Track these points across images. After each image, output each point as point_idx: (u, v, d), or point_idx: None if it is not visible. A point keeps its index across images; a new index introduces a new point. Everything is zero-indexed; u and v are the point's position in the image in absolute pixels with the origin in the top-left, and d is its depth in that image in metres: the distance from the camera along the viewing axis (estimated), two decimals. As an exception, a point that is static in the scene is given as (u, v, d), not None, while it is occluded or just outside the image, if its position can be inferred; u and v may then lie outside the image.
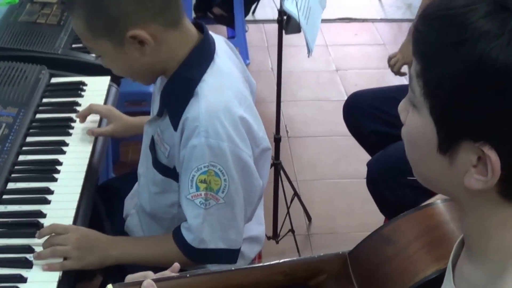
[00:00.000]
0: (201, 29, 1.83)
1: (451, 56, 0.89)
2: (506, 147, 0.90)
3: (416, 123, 0.99)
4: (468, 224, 1.02)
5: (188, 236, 1.79)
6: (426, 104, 0.95)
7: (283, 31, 2.79)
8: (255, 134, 1.81)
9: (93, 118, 2.28)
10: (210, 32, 1.86)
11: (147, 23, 1.68)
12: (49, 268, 1.73)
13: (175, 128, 1.75)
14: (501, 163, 0.90)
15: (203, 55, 1.78)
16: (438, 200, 1.43)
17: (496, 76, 0.86)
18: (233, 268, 1.41)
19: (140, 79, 1.88)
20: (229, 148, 1.70)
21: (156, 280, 1.31)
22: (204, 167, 1.69)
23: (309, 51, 2.65)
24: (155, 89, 1.98)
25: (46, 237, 1.80)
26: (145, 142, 1.97)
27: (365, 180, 3.63)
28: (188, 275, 1.37)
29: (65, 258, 1.78)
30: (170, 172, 1.85)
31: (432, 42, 0.92)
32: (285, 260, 1.42)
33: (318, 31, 2.83)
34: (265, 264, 1.43)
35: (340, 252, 1.43)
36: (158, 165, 1.88)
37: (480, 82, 0.88)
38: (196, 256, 1.81)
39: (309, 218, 3.50)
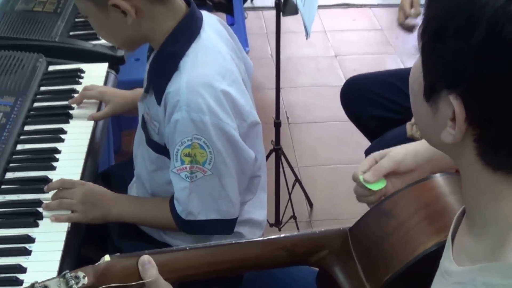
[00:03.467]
0: (188, 3, 1.84)
1: (443, 1, 0.91)
2: (471, 98, 0.89)
3: (415, 66, 1.01)
4: (465, 192, 1.02)
5: (177, 207, 1.82)
6: (420, 44, 0.96)
7: (281, 14, 2.77)
8: (241, 108, 1.81)
9: (92, 101, 2.28)
10: (203, 12, 1.88)
11: None
12: (56, 219, 1.82)
13: (159, 103, 1.77)
14: (468, 116, 0.90)
15: (188, 29, 1.79)
16: (437, 174, 1.43)
17: (468, 18, 0.87)
18: (233, 242, 1.41)
19: (122, 46, 1.96)
20: (212, 121, 1.70)
21: (154, 253, 1.32)
22: (188, 140, 1.71)
23: (307, 34, 2.64)
24: (146, 68, 1.97)
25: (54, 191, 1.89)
26: (139, 121, 1.98)
27: (365, 165, 3.64)
28: (187, 248, 1.37)
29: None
30: (162, 149, 1.87)
31: None
32: (286, 234, 1.43)
33: (315, 13, 2.82)
34: (266, 238, 1.44)
35: (341, 228, 1.42)
36: (151, 143, 1.90)
37: (455, 25, 0.88)
38: (185, 227, 1.85)
39: (310, 204, 3.50)
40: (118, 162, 3.36)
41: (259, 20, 5.41)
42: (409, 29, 3.06)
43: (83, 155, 2.07)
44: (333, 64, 4.82)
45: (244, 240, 1.56)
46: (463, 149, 0.95)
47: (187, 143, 1.71)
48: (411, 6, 2.92)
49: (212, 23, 1.89)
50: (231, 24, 4.88)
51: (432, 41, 0.93)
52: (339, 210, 3.50)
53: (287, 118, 4.04)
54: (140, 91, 2.12)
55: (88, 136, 2.15)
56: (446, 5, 0.90)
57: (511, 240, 0.93)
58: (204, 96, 1.69)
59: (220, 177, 1.77)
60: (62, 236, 1.78)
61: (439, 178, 1.41)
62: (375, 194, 1.55)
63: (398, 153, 1.58)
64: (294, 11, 2.63)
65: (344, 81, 4.48)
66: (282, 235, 1.42)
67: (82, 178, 1.99)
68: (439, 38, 0.91)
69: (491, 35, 0.85)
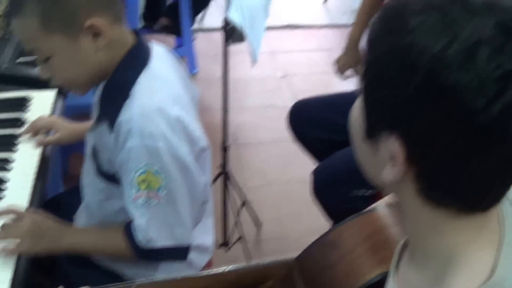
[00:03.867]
0: (136, 35, 1.85)
1: (382, 41, 0.93)
2: (411, 139, 0.92)
3: (355, 107, 1.03)
4: (407, 225, 1.05)
5: (136, 236, 1.82)
6: (361, 87, 0.99)
7: (229, 40, 2.80)
8: (192, 134, 1.82)
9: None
10: (154, 42, 1.90)
11: (102, 13, 1.70)
12: (1, 251, 1.79)
13: (111, 131, 1.77)
14: (407, 155, 0.92)
15: (137, 58, 1.80)
16: (380, 205, 1.46)
17: (407, 63, 0.89)
18: (179, 277, 1.43)
19: (80, 85, 1.86)
20: (165, 147, 1.71)
21: None
22: (142, 167, 1.71)
23: (254, 60, 2.67)
24: (94, 100, 1.98)
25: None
26: (88, 152, 1.98)
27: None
28: (132, 286, 1.38)
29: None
30: (112, 178, 1.86)
31: (376, 28, 0.96)
32: (232, 267, 1.44)
33: (261, 40, 2.85)
34: (212, 272, 1.45)
35: (287, 258, 1.45)
36: (101, 173, 1.90)
37: (394, 68, 0.91)
38: (143, 255, 1.85)
39: (258, 224, 3.52)
40: (66, 185, 3.35)
41: (208, 42, 5.42)
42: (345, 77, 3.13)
43: (30, 184, 2.05)
44: (281, 85, 4.87)
45: (190, 274, 1.57)
46: (403, 186, 0.97)
47: (141, 170, 1.71)
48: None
49: (160, 52, 1.91)
50: (179, 46, 4.91)
51: (372, 85, 0.95)
52: (286, 229, 3.54)
53: (236, 139, 4.06)
54: (89, 124, 2.13)
55: (35, 164, 2.14)
56: (384, 51, 0.92)
57: (451, 272, 0.96)
58: (157, 122, 1.70)
59: (175, 203, 1.78)
60: (10, 265, 1.78)
61: (382, 209, 1.44)
62: None
63: None
64: (240, 38, 2.65)
65: (291, 101, 4.55)
66: (228, 269, 1.44)
67: (30, 206, 1.98)
68: (379, 82, 0.93)
69: (428, 81, 0.87)
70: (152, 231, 1.80)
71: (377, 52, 0.95)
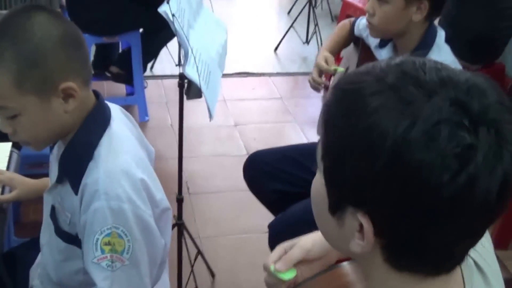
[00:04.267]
0: (96, 95, 1.86)
1: (340, 125, 0.97)
2: (377, 215, 0.95)
3: (316, 182, 1.06)
4: (370, 286, 1.07)
5: None
6: (321, 166, 1.02)
7: (186, 97, 2.80)
8: (154, 196, 1.83)
9: None
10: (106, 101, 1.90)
11: (74, 78, 1.71)
12: None
13: (76, 193, 1.76)
14: (376, 230, 0.96)
15: (99, 120, 1.81)
16: (345, 262, 1.46)
17: (369, 146, 0.93)
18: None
19: (40, 142, 1.84)
20: (130, 209, 1.71)
21: None
22: (107, 229, 1.70)
23: (211, 116, 2.68)
24: (52, 158, 1.97)
25: None
26: (46, 211, 1.96)
27: (265, 234, 3.67)
28: None
29: None
30: (73, 239, 1.85)
31: (330, 111, 1.00)
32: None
33: (218, 96, 2.86)
34: None
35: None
36: (61, 233, 1.88)
37: (356, 150, 0.94)
38: None
39: (212, 274, 3.50)
40: (17, 233, 3.32)
41: (159, 89, 5.44)
42: (316, 88, 3.03)
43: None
44: (233, 134, 4.88)
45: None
46: (371, 255, 1.00)
47: (106, 232, 1.70)
48: (326, 63, 2.95)
49: (116, 113, 1.92)
50: (130, 93, 4.91)
51: (334, 166, 0.98)
52: (241, 280, 3.51)
53: (188, 188, 4.05)
54: (46, 180, 2.14)
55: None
56: (344, 133, 0.95)
57: None
58: (123, 184, 1.71)
59: (138, 266, 1.77)
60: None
61: (346, 266, 1.44)
62: (285, 283, 1.57)
63: (307, 242, 1.62)
64: (198, 94, 2.65)
65: (244, 150, 4.59)
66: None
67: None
68: (341, 163, 0.96)
69: (394, 162, 0.91)
70: None
71: (336, 133, 0.98)
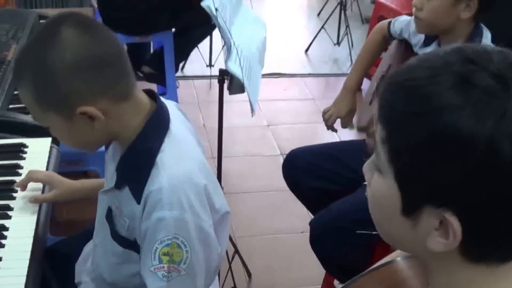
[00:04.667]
0: (153, 96, 1.81)
1: (416, 126, 0.92)
2: (467, 214, 0.92)
3: (380, 186, 1.02)
4: (435, 282, 1.04)
5: None
6: (391, 169, 0.97)
7: (228, 91, 2.78)
8: (215, 201, 1.80)
9: (36, 184, 2.23)
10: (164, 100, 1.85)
11: (97, 99, 1.65)
12: None
13: (138, 202, 1.71)
14: (462, 228, 0.93)
15: (159, 124, 1.76)
16: (398, 258, 1.44)
17: (458, 147, 0.89)
18: None
19: (86, 149, 1.85)
20: (192, 220, 1.68)
21: None
22: (168, 239, 1.66)
23: (253, 111, 2.66)
24: (107, 157, 1.94)
25: None
26: (100, 212, 1.92)
27: (301, 234, 3.66)
28: None
29: None
30: (130, 244, 1.81)
31: (397, 110, 0.95)
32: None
33: (259, 90, 2.84)
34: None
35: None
36: (118, 237, 1.84)
37: (443, 152, 0.90)
38: None
39: (249, 274, 3.49)
40: (52, 231, 3.32)
41: (190, 89, 5.44)
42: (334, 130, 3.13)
43: (32, 233, 2.01)
44: (266, 134, 4.87)
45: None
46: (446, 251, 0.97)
47: (166, 242, 1.67)
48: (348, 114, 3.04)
49: (174, 111, 1.87)
50: (162, 93, 4.90)
51: (413, 168, 0.94)
52: (277, 279, 3.50)
53: (222, 188, 4.02)
54: (85, 182, 2.16)
55: (36, 210, 2.11)
56: (422, 135, 0.92)
57: None
58: (187, 193, 1.67)
59: (194, 276, 1.73)
60: None
61: (400, 262, 1.42)
62: None
63: None
64: (241, 89, 2.63)
65: (277, 150, 4.58)
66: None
67: (32, 254, 1.92)
68: (421, 165, 0.93)
69: (486, 160, 0.88)
70: None
71: (410, 135, 0.93)
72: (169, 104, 1.88)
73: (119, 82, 1.69)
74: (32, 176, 2.18)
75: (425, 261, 1.04)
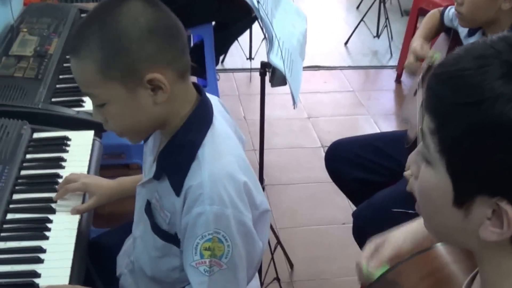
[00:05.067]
0: (198, 89, 1.79)
1: (469, 116, 0.91)
2: None
3: (430, 178, 1.01)
4: (485, 271, 1.03)
5: None
6: (442, 160, 0.96)
7: (270, 84, 2.77)
8: (255, 198, 1.79)
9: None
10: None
11: (165, 68, 1.63)
12: None
13: (178, 194, 1.71)
14: None
15: (203, 117, 1.75)
16: (438, 243, 1.44)
17: (505, 133, 0.89)
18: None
19: (132, 134, 1.80)
20: (233, 215, 1.67)
21: None
22: (209, 234, 1.66)
23: (294, 103, 2.65)
24: (146, 149, 1.94)
25: None
26: (139, 204, 1.93)
27: (343, 225, 3.65)
28: None
29: None
30: (171, 238, 1.81)
31: (446, 101, 0.94)
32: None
33: (300, 82, 2.83)
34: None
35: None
36: (158, 231, 1.84)
37: (497, 141, 0.89)
38: None
39: (291, 265, 3.49)
40: (94, 224, 3.34)
41: (230, 82, 5.45)
42: (413, 73, 3.00)
43: (76, 225, 2.03)
44: (307, 126, 4.86)
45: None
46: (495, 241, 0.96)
47: (207, 237, 1.66)
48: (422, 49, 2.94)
49: (217, 106, 1.86)
50: (203, 86, 4.90)
51: (466, 159, 0.93)
52: (319, 270, 3.51)
53: (263, 180, 4.03)
54: (123, 180, 2.17)
55: (79, 203, 2.13)
56: (475, 124, 0.91)
57: None
58: (228, 189, 1.66)
59: (235, 271, 1.73)
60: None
61: (441, 247, 1.42)
62: None
63: (398, 238, 1.60)
64: (283, 82, 2.62)
65: (318, 142, 4.57)
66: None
67: (76, 246, 1.95)
68: (478, 154, 0.92)
69: None
70: None
71: (460, 125, 0.92)
72: (212, 98, 1.87)
73: (182, 58, 1.68)
74: (68, 189, 2.16)
75: (475, 252, 1.03)
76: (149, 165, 1.86)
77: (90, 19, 1.67)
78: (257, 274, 2.13)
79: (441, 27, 3.01)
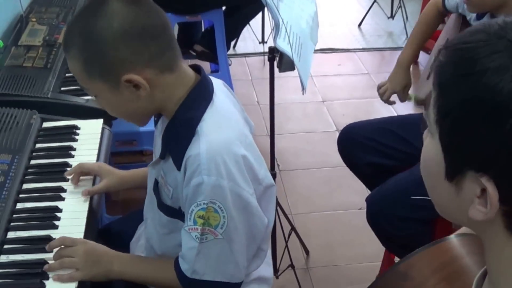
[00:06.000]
0: (198, 71, 1.83)
1: (460, 87, 0.92)
2: (505, 180, 0.90)
3: (429, 149, 1.01)
4: (488, 258, 1.02)
5: (182, 265, 1.82)
6: (437, 130, 0.97)
7: (278, 69, 2.74)
8: (257, 172, 1.81)
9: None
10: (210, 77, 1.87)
11: (142, 68, 1.68)
12: (59, 278, 1.81)
13: (179, 168, 1.75)
14: (500, 197, 0.91)
15: (201, 95, 1.78)
16: (452, 235, 1.44)
17: (497, 109, 0.88)
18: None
19: (134, 120, 1.89)
20: (229, 187, 1.70)
21: None
22: (204, 204, 1.70)
23: (303, 89, 2.62)
24: (157, 133, 1.96)
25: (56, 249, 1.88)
26: (149, 185, 1.97)
27: (359, 210, 3.63)
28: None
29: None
30: (175, 213, 1.85)
31: (447, 73, 0.95)
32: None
33: (310, 68, 2.80)
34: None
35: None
36: (163, 207, 1.89)
37: (481, 113, 0.89)
38: (189, 285, 1.84)
39: (306, 251, 3.47)
40: (109, 211, 3.36)
41: (243, 67, 5.43)
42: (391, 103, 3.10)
43: (85, 214, 2.03)
44: (321, 109, 4.82)
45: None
46: (490, 224, 0.95)
47: (202, 206, 1.70)
48: (403, 89, 3.00)
49: (219, 87, 1.89)
50: (215, 70, 4.90)
51: (455, 130, 0.94)
52: (335, 256, 3.48)
53: (278, 165, 4.01)
54: (135, 171, 2.21)
55: (88, 196, 2.12)
56: (465, 95, 0.91)
57: None
58: (225, 160, 1.69)
59: (230, 242, 1.77)
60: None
61: (454, 239, 1.43)
62: None
63: None
64: (290, 67, 2.59)
65: (333, 126, 4.54)
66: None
67: (85, 235, 1.96)
68: (463, 127, 0.92)
69: None
70: (198, 264, 1.79)
71: (454, 95, 0.93)
72: (215, 81, 1.90)
73: (164, 54, 1.72)
74: (82, 167, 2.21)
75: (477, 234, 1.02)
76: (158, 147, 1.89)
77: (76, 19, 1.76)
78: (270, 261, 2.13)
79: (439, 21, 3.01)
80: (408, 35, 5.81)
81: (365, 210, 2.70)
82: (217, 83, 1.90)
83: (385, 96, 3.05)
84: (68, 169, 2.21)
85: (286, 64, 2.64)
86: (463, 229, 1.43)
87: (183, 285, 1.84)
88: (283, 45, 2.53)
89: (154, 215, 1.95)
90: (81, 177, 2.20)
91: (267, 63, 2.81)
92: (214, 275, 1.80)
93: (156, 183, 1.90)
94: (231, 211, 1.72)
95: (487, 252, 1.01)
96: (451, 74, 0.94)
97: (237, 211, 1.74)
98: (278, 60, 2.69)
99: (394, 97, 3.09)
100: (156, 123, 1.96)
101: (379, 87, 3.09)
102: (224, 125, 1.76)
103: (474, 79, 0.89)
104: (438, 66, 0.98)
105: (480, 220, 0.94)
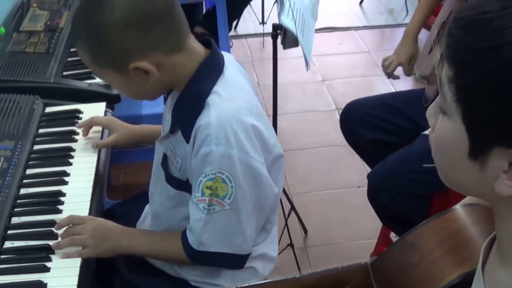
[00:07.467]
0: (208, 44, 1.84)
1: (488, 61, 0.87)
2: None
3: (446, 129, 0.98)
4: (502, 228, 1.01)
5: (190, 237, 1.85)
6: (458, 110, 0.93)
7: (282, 46, 2.76)
8: (267, 142, 1.82)
9: (95, 129, 2.34)
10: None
11: (148, 54, 1.70)
12: (67, 256, 1.83)
13: (188, 140, 1.78)
14: None
15: (212, 68, 1.80)
16: (457, 205, 1.43)
17: None
18: (259, 283, 1.41)
19: (147, 98, 1.94)
20: (238, 156, 1.71)
21: None
22: (212, 174, 1.72)
23: (307, 64, 2.64)
24: (165, 109, 1.99)
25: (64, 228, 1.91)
26: (156, 160, 2.00)
27: (357, 189, 3.64)
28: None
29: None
30: (183, 185, 1.88)
31: (467, 46, 0.90)
32: (309, 272, 1.45)
33: (312, 44, 2.82)
34: (289, 278, 1.44)
35: (363, 263, 1.44)
36: (171, 179, 1.91)
37: (505, 87, 0.86)
38: (196, 258, 1.87)
39: (305, 230, 3.50)
40: (110, 196, 3.38)
41: (243, 48, 5.43)
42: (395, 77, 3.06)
43: (89, 197, 2.06)
44: (321, 89, 4.84)
45: (265, 281, 1.57)
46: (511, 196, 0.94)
47: (210, 176, 1.72)
48: (409, 61, 2.97)
49: (231, 61, 1.91)
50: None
51: (482, 107, 0.90)
52: (333, 235, 3.51)
53: (278, 144, 4.03)
54: (145, 127, 2.25)
55: (92, 177, 2.14)
56: (493, 70, 0.87)
57: None
58: (235, 130, 1.71)
59: (238, 213, 1.78)
60: (75, 271, 1.79)
61: (459, 210, 1.41)
62: None
63: None
64: (294, 43, 2.62)
65: (333, 105, 4.55)
66: (306, 273, 1.43)
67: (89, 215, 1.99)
68: (492, 103, 0.88)
69: None
70: (205, 236, 1.81)
71: (478, 71, 0.89)
72: (227, 54, 1.91)
73: (170, 36, 1.73)
74: (93, 120, 2.29)
75: (493, 206, 1.01)
76: (167, 123, 1.92)
77: (80, 11, 1.77)
78: (276, 239, 2.14)
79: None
80: (409, 12, 5.82)
81: (364, 188, 2.72)
82: (229, 57, 1.91)
83: (390, 68, 3.00)
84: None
85: (290, 40, 2.66)
86: (468, 199, 1.43)
87: (189, 257, 1.87)
88: (287, 21, 2.56)
89: (161, 189, 1.97)
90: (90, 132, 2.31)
91: (267, 44, 2.84)
92: (221, 247, 1.83)
93: (165, 157, 1.92)
94: (239, 181, 1.74)
95: (501, 221, 1.01)
96: (472, 48, 0.89)
97: (246, 181, 1.75)
98: (282, 37, 2.72)
99: (398, 72, 3.05)
100: (165, 99, 1.98)
101: (384, 60, 3.05)
102: (235, 96, 1.78)
103: (505, 51, 0.85)
104: (453, 40, 0.93)
105: (509, 194, 0.93)
